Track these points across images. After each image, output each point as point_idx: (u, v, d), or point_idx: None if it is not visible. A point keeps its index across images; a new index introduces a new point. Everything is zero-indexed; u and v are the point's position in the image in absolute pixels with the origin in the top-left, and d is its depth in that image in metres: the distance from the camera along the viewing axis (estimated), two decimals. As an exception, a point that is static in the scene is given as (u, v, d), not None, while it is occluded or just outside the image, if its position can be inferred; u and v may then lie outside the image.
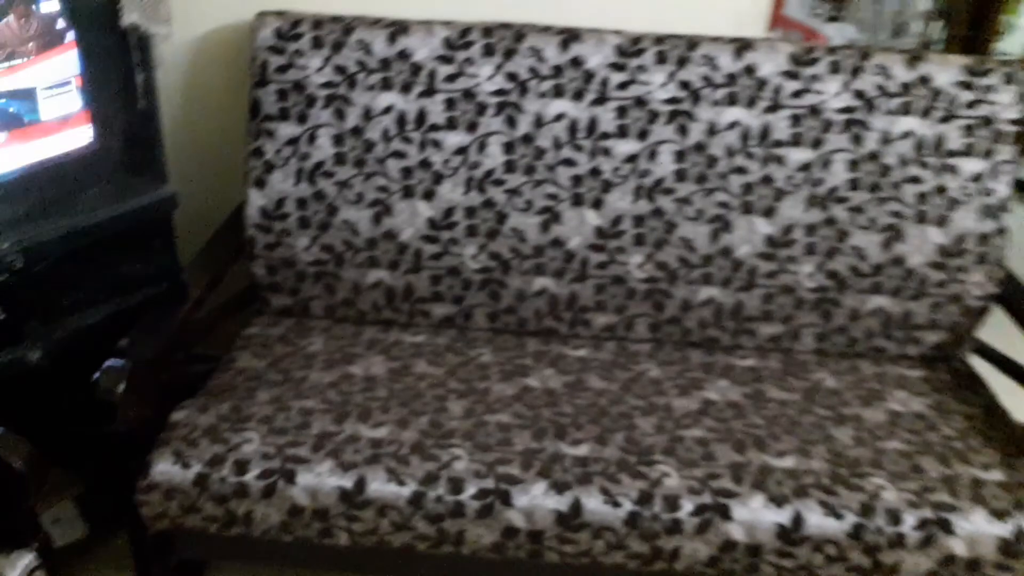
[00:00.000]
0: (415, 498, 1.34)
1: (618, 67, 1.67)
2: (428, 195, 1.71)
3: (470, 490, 1.35)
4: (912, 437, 1.50)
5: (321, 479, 1.35)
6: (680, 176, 1.69)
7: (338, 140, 1.71)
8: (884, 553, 1.32)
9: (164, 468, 1.37)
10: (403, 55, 1.69)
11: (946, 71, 1.67)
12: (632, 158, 1.69)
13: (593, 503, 1.33)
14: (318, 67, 1.69)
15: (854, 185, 1.69)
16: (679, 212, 1.70)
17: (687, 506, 1.33)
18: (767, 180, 1.69)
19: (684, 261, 1.71)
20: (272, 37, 1.70)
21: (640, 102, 1.67)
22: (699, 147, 1.69)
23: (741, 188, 1.69)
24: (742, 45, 1.68)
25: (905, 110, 1.68)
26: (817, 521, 1.32)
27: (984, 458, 1.45)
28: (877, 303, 1.73)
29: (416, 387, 1.58)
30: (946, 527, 1.31)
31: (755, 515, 1.33)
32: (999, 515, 1.32)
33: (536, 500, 1.33)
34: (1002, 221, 1.69)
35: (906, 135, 1.68)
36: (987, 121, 1.67)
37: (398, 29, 1.70)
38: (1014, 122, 1.68)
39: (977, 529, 1.31)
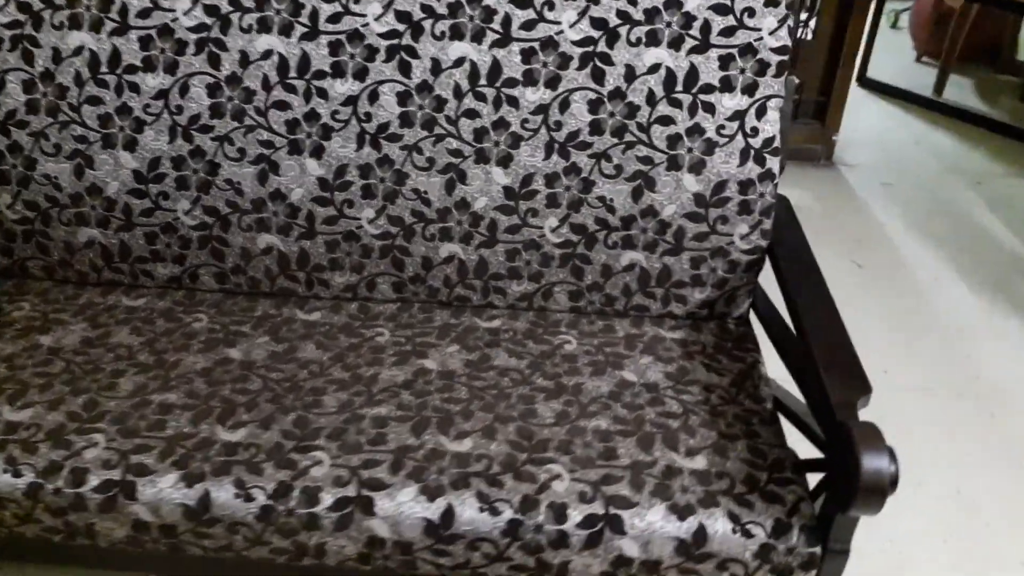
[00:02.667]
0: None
1: None
2: (317, 152, 1.48)
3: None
4: (626, 413, 1.31)
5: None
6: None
7: (33, 82, 1.49)
8: (547, 553, 1.15)
9: None
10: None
11: (697, -8, 1.41)
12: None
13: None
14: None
15: (598, 129, 1.45)
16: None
17: (327, 500, 1.16)
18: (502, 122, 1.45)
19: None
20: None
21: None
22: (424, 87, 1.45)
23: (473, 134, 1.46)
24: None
25: (653, 40, 1.42)
26: (470, 516, 1.15)
27: (696, 441, 1.26)
28: (631, 258, 1.52)
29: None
30: (616, 525, 1.13)
31: (400, 509, 1.15)
32: (680, 512, 1.14)
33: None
34: (769, 165, 1.45)
35: (654, 69, 1.43)
36: (748, 50, 1.42)
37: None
38: (776, 50, 1.42)
39: (650, 528, 1.13)
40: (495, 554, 1.16)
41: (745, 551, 1.12)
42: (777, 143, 1.45)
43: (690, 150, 1.45)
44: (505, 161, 1.48)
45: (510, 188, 1.49)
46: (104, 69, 1.48)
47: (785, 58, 1.43)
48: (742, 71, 1.43)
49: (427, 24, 1.44)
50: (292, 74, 1.47)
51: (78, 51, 1.48)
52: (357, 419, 1.28)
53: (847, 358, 1.22)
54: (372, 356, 1.44)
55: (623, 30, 1.42)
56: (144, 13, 1.46)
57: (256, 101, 1.48)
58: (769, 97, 1.44)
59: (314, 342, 1.47)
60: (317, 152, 1.49)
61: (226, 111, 1.49)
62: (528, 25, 1.43)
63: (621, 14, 1.42)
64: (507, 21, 1.43)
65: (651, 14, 1.42)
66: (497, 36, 1.44)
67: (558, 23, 1.43)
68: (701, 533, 1.12)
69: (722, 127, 1.44)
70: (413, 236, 1.53)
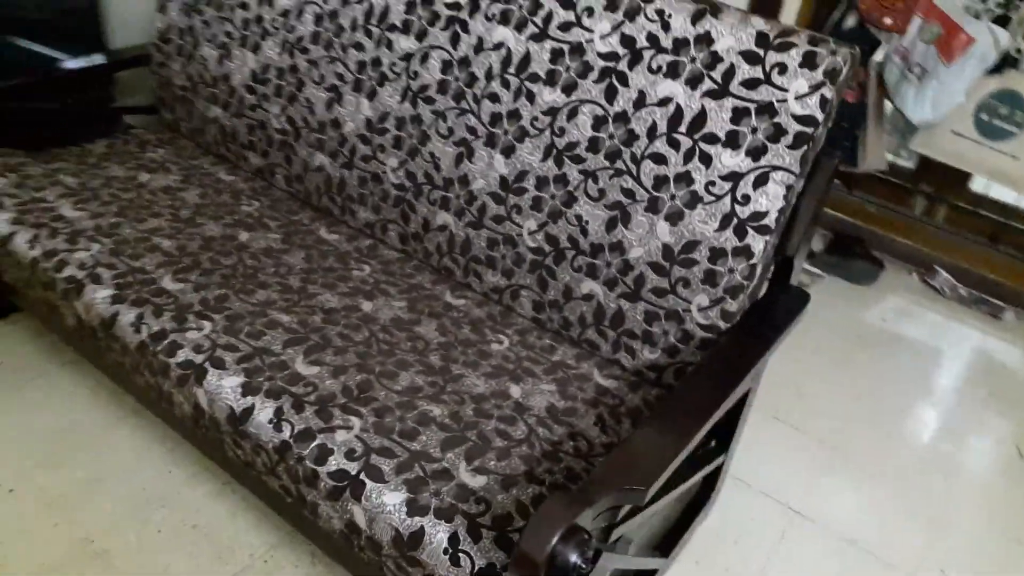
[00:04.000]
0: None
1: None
2: (371, 95, 1.63)
3: (181, 358, 1.30)
4: (468, 415, 1.27)
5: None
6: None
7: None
8: (303, 487, 1.18)
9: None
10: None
11: (734, 34, 1.28)
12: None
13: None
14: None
15: (594, 146, 1.40)
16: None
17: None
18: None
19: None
20: None
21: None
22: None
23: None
24: None
25: (672, 71, 1.33)
26: (259, 423, 1.22)
27: (497, 465, 1.18)
28: (591, 288, 1.44)
29: (281, 265, 1.56)
30: (356, 490, 1.13)
31: (221, 393, 1.26)
32: (412, 508, 1.10)
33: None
34: (749, 242, 1.28)
35: (665, 102, 1.33)
36: (766, 109, 1.26)
37: None
38: (800, 119, 1.24)
39: (381, 507, 1.11)
40: (269, 466, 1.22)
41: (449, 574, 1.05)
42: (768, 221, 1.27)
43: (672, 197, 1.33)
44: (508, 151, 1.48)
45: (505, 179, 1.49)
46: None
47: (809, 130, 1.24)
48: (753, 130, 1.27)
49: (484, 3, 1.50)
50: (374, 22, 1.62)
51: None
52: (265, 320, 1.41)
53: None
54: (332, 280, 1.55)
55: (647, 54, 1.34)
56: (295, -55, 1.71)
57: (343, 37, 1.66)
58: (775, 168, 1.26)
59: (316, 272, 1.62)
60: (371, 95, 1.64)
61: (320, 40, 1.69)
62: (565, 26, 1.42)
63: (651, 37, 1.34)
64: (548, 18, 1.43)
65: (679, 45, 1.32)
66: (536, 30, 1.45)
67: (591, 31, 1.39)
68: (419, 535, 1.07)
69: (712, 183, 1.30)
70: (420, 195, 1.61)
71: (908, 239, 2.82)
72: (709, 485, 1.62)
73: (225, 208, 1.75)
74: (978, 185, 2.80)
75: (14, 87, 1.88)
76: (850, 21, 2.65)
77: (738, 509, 1.73)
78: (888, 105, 2.64)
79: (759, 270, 1.29)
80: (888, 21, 2.56)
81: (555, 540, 0.88)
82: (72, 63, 1.98)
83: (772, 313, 1.35)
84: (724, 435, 1.52)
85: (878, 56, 2.60)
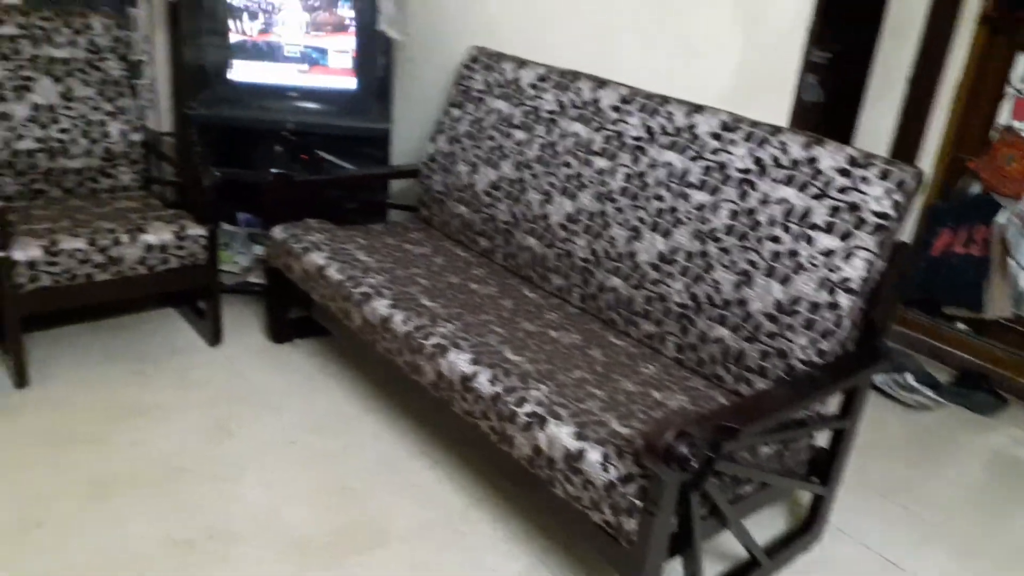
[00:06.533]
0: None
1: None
2: (572, 196, 2.31)
3: (432, 341, 1.91)
4: (605, 394, 1.77)
5: (457, 363, 1.82)
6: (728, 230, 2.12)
7: (475, 123, 2.63)
8: (505, 424, 1.72)
9: (313, 257, 2.46)
10: (583, 99, 2.51)
11: (833, 157, 1.82)
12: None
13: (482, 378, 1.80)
14: (481, 80, 2.64)
15: (729, 230, 1.94)
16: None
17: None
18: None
19: (711, 299, 2.16)
20: (470, 60, 2.72)
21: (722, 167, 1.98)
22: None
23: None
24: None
25: (787, 181, 1.87)
26: (482, 381, 1.79)
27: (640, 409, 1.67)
28: (720, 333, 1.93)
29: (496, 305, 2.32)
30: (542, 425, 1.65)
31: (452, 364, 1.85)
32: (578, 436, 1.60)
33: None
34: (839, 299, 1.74)
35: (781, 201, 1.87)
36: (853, 207, 1.76)
37: (568, 78, 2.54)
38: (877, 214, 1.73)
39: (556, 436, 1.62)
40: (483, 410, 1.77)
41: (599, 478, 1.53)
42: (854, 285, 1.73)
43: (784, 266, 1.83)
44: (667, 234, 2.06)
45: (663, 253, 2.05)
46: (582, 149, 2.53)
47: (884, 223, 1.72)
48: (844, 221, 1.76)
49: (658, 135, 2.13)
50: (583, 150, 2.30)
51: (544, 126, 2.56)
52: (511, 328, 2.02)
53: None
54: (531, 317, 2.14)
55: (772, 169, 1.90)
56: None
57: (558, 159, 2.35)
58: (859, 248, 1.74)
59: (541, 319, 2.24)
60: (571, 195, 2.29)
61: (541, 161, 2.39)
62: (715, 151, 2.01)
63: (774, 158, 1.90)
64: (703, 146, 2.04)
65: (795, 163, 1.87)
66: (694, 154, 2.05)
67: (732, 155, 1.98)
68: (581, 453, 1.57)
69: (813, 257, 1.79)
70: (599, 266, 2.20)
71: (1035, 383, 3.01)
72: (813, 517, 1.98)
73: (460, 270, 2.42)
74: (1105, 339, 2.98)
75: (327, 181, 2.72)
76: (975, 188, 3.07)
77: (839, 555, 2.03)
78: (1011, 261, 2.97)
79: (846, 321, 1.74)
80: (1007, 189, 2.95)
81: (671, 435, 1.36)
82: (369, 170, 2.81)
83: (857, 358, 1.77)
84: (825, 470, 1.90)
85: (1001, 218, 2.97)
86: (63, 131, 2.61)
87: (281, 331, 2.69)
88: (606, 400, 1.76)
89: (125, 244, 2.32)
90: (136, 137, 2.75)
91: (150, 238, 2.36)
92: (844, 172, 1.79)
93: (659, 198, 2.09)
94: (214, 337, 2.62)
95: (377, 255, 2.40)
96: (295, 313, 2.69)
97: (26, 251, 2.17)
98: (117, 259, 2.32)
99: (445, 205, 2.69)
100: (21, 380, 2.29)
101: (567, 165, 2.33)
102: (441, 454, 2.21)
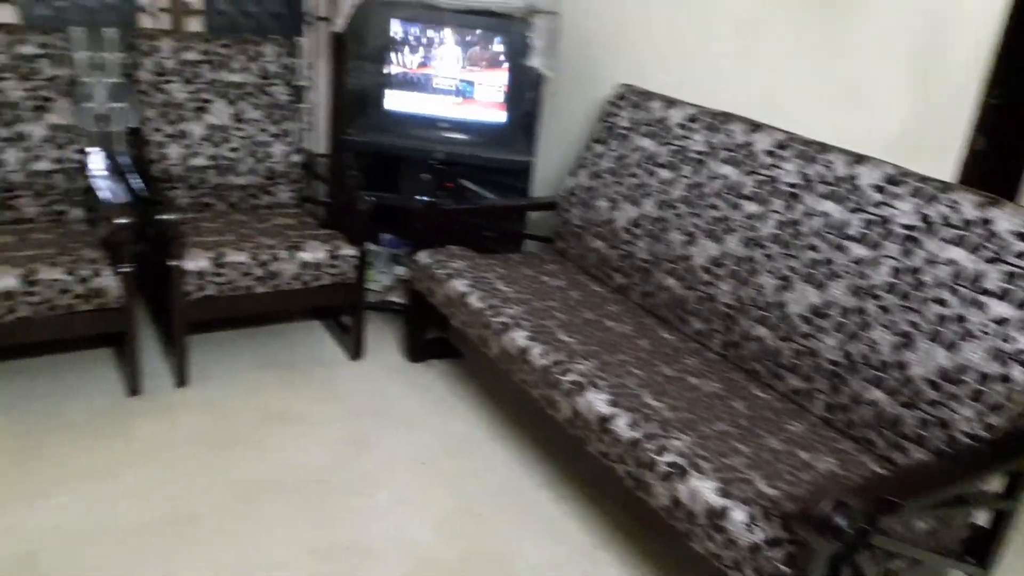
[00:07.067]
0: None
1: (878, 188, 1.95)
2: (717, 238, 2.25)
3: (569, 377, 1.92)
4: (749, 450, 1.72)
5: (595, 403, 1.88)
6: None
7: (618, 160, 2.64)
8: (644, 472, 1.70)
9: (456, 284, 2.55)
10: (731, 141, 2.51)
11: (1010, 220, 1.70)
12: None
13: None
14: (626, 118, 2.65)
15: (890, 288, 1.85)
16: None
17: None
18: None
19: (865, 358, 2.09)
20: (616, 97, 2.73)
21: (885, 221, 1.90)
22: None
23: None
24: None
25: (958, 241, 1.77)
26: (622, 424, 1.78)
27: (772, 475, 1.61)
28: (875, 395, 1.84)
29: (633, 344, 2.33)
30: (682, 477, 1.62)
31: (589, 403, 1.85)
32: (723, 492, 1.56)
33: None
34: (1013, 371, 1.63)
35: (951, 262, 1.77)
36: (1034, 275, 1.65)
37: (720, 120, 2.52)
38: (1062, 284, 1.61)
39: (697, 490, 1.59)
40: (620, 454, 1.76)
41: (743, 539, 1.48)
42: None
43: (951, 331, 1.72)
44: (820, 287, 1.98)
45: (815, 306, 1.98)
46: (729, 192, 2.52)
47: (1070, 293, 1.60)
48: (1021, 288, 1.65)
49: (816, 184, 2.07)
50: (732, 194, 2.26)
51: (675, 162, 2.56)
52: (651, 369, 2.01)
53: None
54: (668, 360, 2.11)
55: (940, 228, 1.80)
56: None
57: (705, 200, 2.32)
58: (1039, 318, 1.62)
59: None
60: (716, 238, 2.25)
61: (686, 201, 2.36)
62: (878, 204, 1.93)
63: (943, 216, 1.80)
64: (865, 198, 1.96)
65: (967, 224, 1.76)
66: (855, 206, 1.97)
67: (897, 209, 1.89)
68: (725, 511, 1.53)
69: (984, 324, 1.68)
70: (743, 314, 2.14)
71: None
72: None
73: (595, 305, 2.41)
74: None
75: (471, 210, 2.79)
76: None
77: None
78: None
79: (1019, 396, 1.62)
80: None
81: (828, 505, 1.30)
82: (511, 201, 2.87)
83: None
84: (984, 551, 1.77)
85: None
86: (232, 150, 2.80)
87: (417, 351, 2.77)
88: (751, 457, 1.70)
89: (283, 260, 2.46)
90: (296, 158, 2.91)
91: (306, 256, 2.49)
92: (1022, 236, 1.67)
93: (813, 248, 2.02)
94: (356, 352, 2.73)
95: (515, 285, 2.44)
96: (431, 334, 2.76)
97: (196, 262, 2.34)
98: (275, 273, 2.46)
99: (582, 239, 2.70)
100: (182, 380, 2.46)
101: (714, 207, 2.29)
102: (569, 489, 2.20)
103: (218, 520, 1.95)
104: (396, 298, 2.99)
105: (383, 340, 2.89)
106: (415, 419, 2.45)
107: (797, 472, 1.68)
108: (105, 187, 2.49)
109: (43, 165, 2.53)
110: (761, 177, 2.20)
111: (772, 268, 2.09)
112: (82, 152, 2.59)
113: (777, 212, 2.13)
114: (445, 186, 2.93)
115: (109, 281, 2.21)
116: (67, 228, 2.51)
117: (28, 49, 2.52)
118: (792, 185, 2.12)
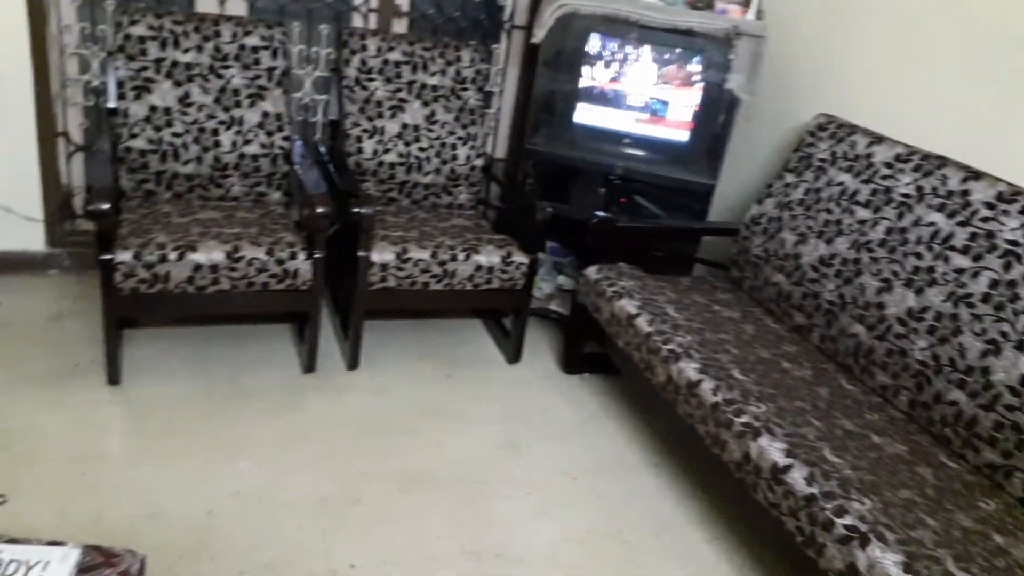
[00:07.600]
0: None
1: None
2: (918, 291, 2.30)
3: (742, 419, 1.83)
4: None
5: (766, 449, 2.31)
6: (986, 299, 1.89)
7: (811, 192, 2.51)
8: (817, 531, 1.60)
9: (624, 304, 2.55)
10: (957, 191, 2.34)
11: None
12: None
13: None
14: (825, 150, 2.52)
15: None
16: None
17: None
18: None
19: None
20: (816, 127, 2.60)
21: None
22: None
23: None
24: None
25: None
26: (795, 477, 1.69)
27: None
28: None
29: (811, 391, 2.29)
30: (864, 543, 1.52)
31: (763, 450, 1.77)
32: (907, 568, 1.45)
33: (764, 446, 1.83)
34: None
35: None
36: None
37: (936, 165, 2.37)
38: None
39: (879, 561, 1.48)
40: (792, 508, 1.67)
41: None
42: None
43: None
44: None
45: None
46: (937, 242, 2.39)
47: None
48: None
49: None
50: (940, 244, 2.10)
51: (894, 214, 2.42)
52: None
53: None
54: (849, 414, 1.99)
55: None
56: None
57: (898, 241, 2.16)
58: None
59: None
60: (917, 290, 2.09)
61: (885, 245, 2.22)
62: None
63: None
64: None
65: None
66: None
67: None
68: (908, 591, 1.41)
69: None
70: (939, 374, 1.97)
71: None
72: None
73: (771, 343, 2.31)
74: None
75: (647, 229, 2.75)
76: None
77: None
78: None
79: None
80: None
81: None
82: (690, 223, 2.80)
83: None
84: None
85: None
86: (421, 150, 2.91)
87: (573, 363, 2.77)
88: (939, 533, 1.57)
89: (460, 261, 2.52)
90: (478, 162, 2.98)
91: (482, 259, 2.54)
92: None
93: (918, 256, 2.01)
94: (514, 356, 2.76)
95: (686, 312, 2.37)
96: (588, 347, 2.75)
97: (382, 255, 2.45)
98: (451, 273, 2.53)
99: (762, 270, 2.60)
100: (354, 363, 2.59)
101: (917, 256, 2.12)
102: (723, 530, 2.12)
103: (378, 506, 2.02)
104: (555, 307, 3.00)
105: (539, 347, 2.91)
106: (567, 431, 2.45)
107: (992, 559, 1.53)
108: (307, 176, 2.66)
109: (253, 149, 2.73)
110: (976, 230, 2.02)
111: (979, 330, 1.92)
112: (287, 140, 2.77)
113: (992, 270, 1.95)
114: (618, 201, 2.90)
115: (303, 265, 2.35)
116: (267, 210, 2.70)
117: (252, 40, 2.72)
118: (1012, 243, 1.93)
